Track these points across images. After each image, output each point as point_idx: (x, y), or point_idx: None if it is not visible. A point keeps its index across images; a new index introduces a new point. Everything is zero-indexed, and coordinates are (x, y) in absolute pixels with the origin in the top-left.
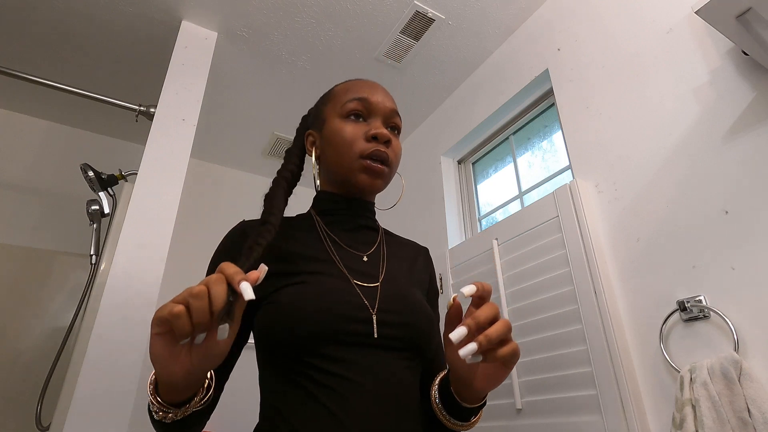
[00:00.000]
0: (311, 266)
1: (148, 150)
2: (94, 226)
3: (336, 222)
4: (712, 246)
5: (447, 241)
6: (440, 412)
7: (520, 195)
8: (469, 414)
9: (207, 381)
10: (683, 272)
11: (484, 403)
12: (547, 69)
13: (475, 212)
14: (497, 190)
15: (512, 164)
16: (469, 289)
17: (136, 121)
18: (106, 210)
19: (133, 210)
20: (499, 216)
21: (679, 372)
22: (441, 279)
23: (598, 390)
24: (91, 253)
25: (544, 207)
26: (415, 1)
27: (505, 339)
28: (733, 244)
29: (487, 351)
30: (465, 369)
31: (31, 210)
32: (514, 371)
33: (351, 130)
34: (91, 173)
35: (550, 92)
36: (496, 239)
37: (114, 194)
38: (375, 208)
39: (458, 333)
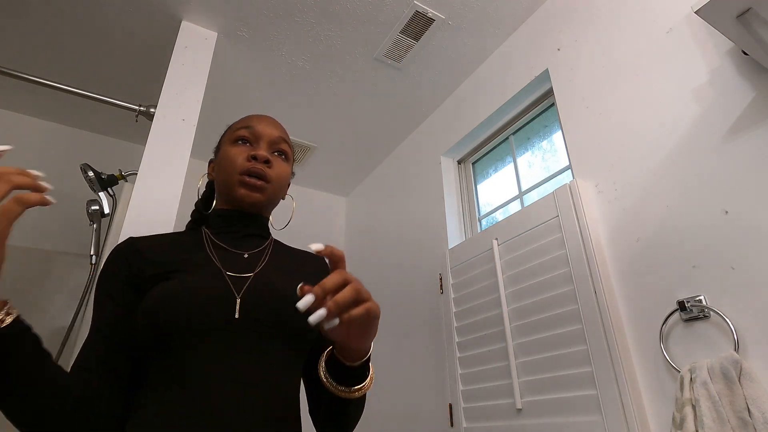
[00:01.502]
0: (187, 265)
1: (148, 150)
2: (94, 226)
3: (224, 233)
4: (712, 246)
5: (447, 241)
6: (328, 381)
7: (520, 195)
8: (359, 375)
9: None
10: (683, 272)
11: (368, 359)
12: (547, 69)
13: (475, 212)
14: (497, 190)
15: (512, 164)
16: (316, 246)
17: (136, 121)
18: (106, 210)
19: (133, 210)
20: (499, 216)
21: (679, 372)
22: (441, 279)
23: (598, 390)
24: (91, 253)
25: (544, 207)
26: (415, 1)
27: (357, 300)
28: (733, 244)
29: (342, 314)
30: (334, 333)
31: (31, 210)
32: (514, 371)
33: (236, 151)
34: (91, 173)
35: (550, 92)
36: (496, 239)
37: (114, 194)
38: (270, 225)
39: (304, 302)
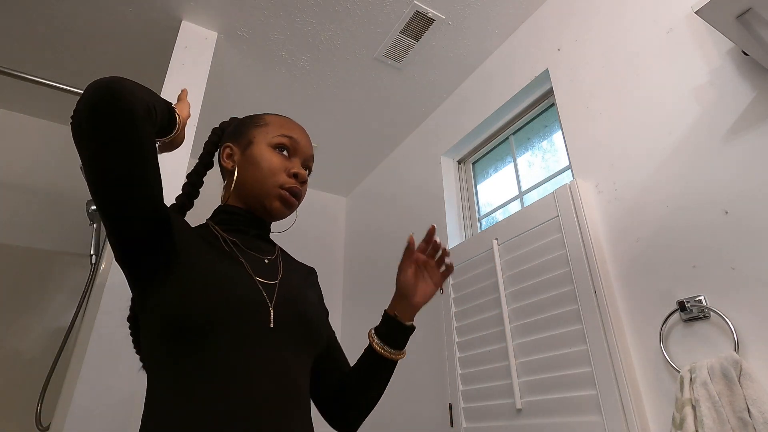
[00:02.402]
0: (214, 258)
1: None
2: (94, 226)
3: (235, 231)
4: (712, 246)
5: (447, 241)
6: (383, 349)
7: (520, 195)
8: (405, 338)
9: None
10: (683, 272)
11: (414, 328)
12: (547, 69)
13: (475, 212)
14: (497, 190)
15: (512, 164)
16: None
17: None
18: None
19: None
20: (499, 216)
21: (679, 372)
22: None
23: (598, 390)
24: (91, 253)
25: (544, 207)
26: (415, 1)
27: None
28: (733, 244)
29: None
30: (409, 286)
31: (31, 210)
32: (514, 371)
33: (278, 161)
34: None
35: (550, 92)
36: (496, 239)
37: None
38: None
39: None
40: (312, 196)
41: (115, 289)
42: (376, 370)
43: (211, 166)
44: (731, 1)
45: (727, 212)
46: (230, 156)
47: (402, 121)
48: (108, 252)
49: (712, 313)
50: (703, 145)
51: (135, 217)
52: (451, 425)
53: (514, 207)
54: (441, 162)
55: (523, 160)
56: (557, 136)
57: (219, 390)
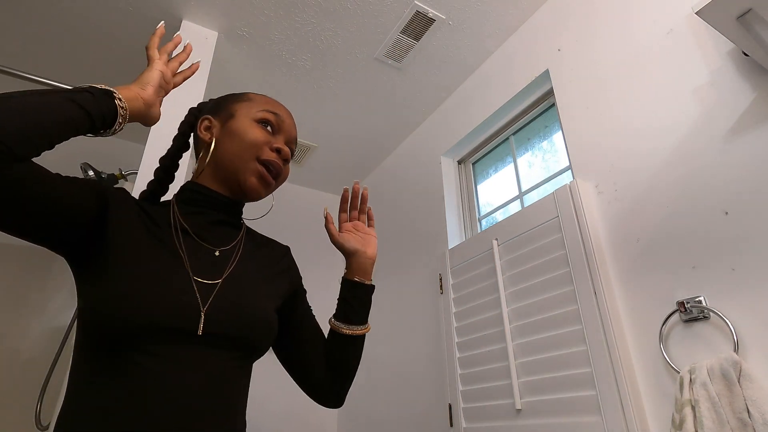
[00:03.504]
0: (151, 253)
1: (148, 149)
2: None
3: (196, 213)
4: (712, 247)
5: (447, 241)
6: (341, 326)
7: (520, 195)
8: (368, 302)
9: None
10: (683, 273)
11: (374, 287)
12: (548, 69)
13: (475, 212)
14: (497, 190)
15: (512, 164)
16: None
17: None
18: None
19: None
20: (499, 216)
21: (678, 373)
22: (441, 279)
23: (597, 390)
24: None
25: (544, 207)
26: (416, 1)
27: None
28: (733, 245)
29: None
30: (355, 240)
31: None
32: (513, 371)
33: (261, 133)
34: (91, 172)
35: (550, 92)
36: (496, 239)
37: None
38: (242, 213)
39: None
40: (312, 195)
41: None
42: (349, 349)
43: (186, 148)
44: (732, 1)
45: (727, 213)
46: (208, 128)
47: (402, 121)
48: None
49: (711, 313)
50: (704, 146)
51: (39, 238)
52: (451, 425)
53: (514, 207)
54: (441, 162)
55: (523, 160)
56: (557, 137)
57: (130, 407)
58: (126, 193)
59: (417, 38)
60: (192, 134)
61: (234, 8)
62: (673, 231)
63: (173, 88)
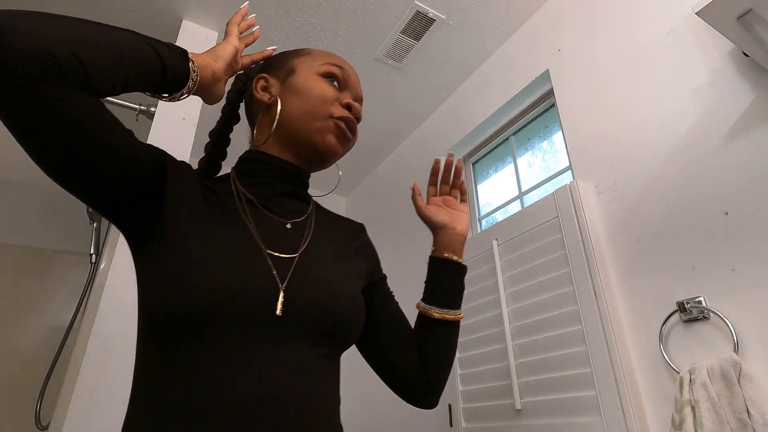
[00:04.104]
0: (215, 224)
1: None
2: (94, 225)
3: (260, 184)
4: (712, 247)
5: None
6: (431, 310)
7: (520, 195)
8: (461, 284)
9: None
10: (683, 273)
11: (467, 268)
12: (548, 69)
13: (475, 212)
14: (497, 190)
15: (512, 164)
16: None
17: (137, 120)
18: None
19: None
20: (499, 216)
21: (678, 373)
22: None
23: (597, 391)
24: (91, 252)
25: (544, 207)
26: (416, 1)
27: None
28: (733, 245)
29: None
30: (444, 214)
31: (31, 209)
32: (513, 371)
33: (330, 89)
34: None
35: (550, 92)
36: (496, 239)
37: None
38: (309, 185)
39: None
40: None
41: (115, 288)
42: (442, 338)
43: (236, 119)
44: (732, 2)
45: (727, 213)
46: (266, 88)
47: (402, 121)
48: (108, 251)
49: (711, 314)
50: (704, 146)
51: (93, 197)
52: (451, 425)
53: (514, 207)
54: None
55: (523, 160)
56: (557, 137)
57: (200, 396)
58: (186, 164)
59: (417, 38)
60: (243, 101)
61: (234, 8)
62: (673, 231)
63: (240, 69)
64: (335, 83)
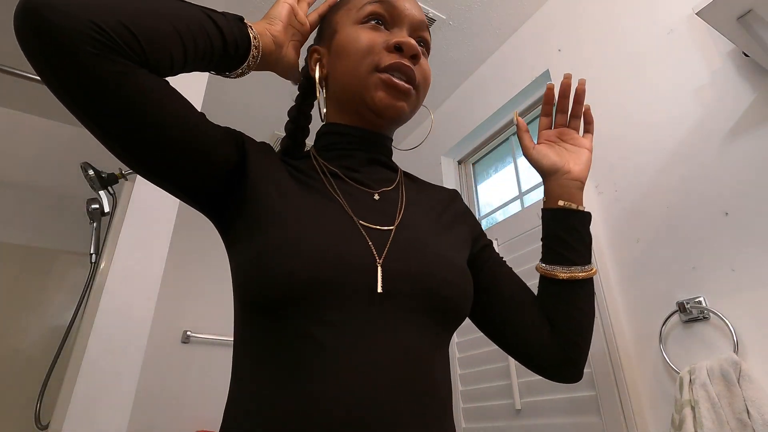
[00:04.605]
0: (303, 198)
1: None
2: (94, 224)
3: (341, 157)
4: (712, 247)
5: None
6: (555, 270)
7: (520, 195)
8: (586, 233)
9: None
10: (683, 273)
11: (590, 215)
12: (548, 69)
13: (475, 212)
14: (497, 190)
15: (512, 164)
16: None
17: None
18: (106, 209)
19: (133, 209)
20: (499, 216)
21: (678, 373)
22: None
23: (597, 391)
24: (91, 251)
25: None
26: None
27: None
28: (733, 245)
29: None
30: (555, 154)
31: (31, 208)
32: (513, 372)
33: (368, 36)
34: (91, 172)
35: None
36: (496, 239)
37: (114, 193)
38: (393, 147)
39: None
40: None
41: (114, 288)
42: (573, 300)
43: (312, 95)
44: (732, 2)
45: (727, 213)
46: (318, 60)
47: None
48: (108, 251)
49: (711, 314)
50: (704, 147)
51: (169, 180)
52: None
53: (514, 207)
54: (441, 162)
55: (523, 160)
56: None
57: (300, 400)
58: (266, 144)
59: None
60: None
61: (234, 8)
62: (673, 232)
63: (309, 30)
64: (381, 24)
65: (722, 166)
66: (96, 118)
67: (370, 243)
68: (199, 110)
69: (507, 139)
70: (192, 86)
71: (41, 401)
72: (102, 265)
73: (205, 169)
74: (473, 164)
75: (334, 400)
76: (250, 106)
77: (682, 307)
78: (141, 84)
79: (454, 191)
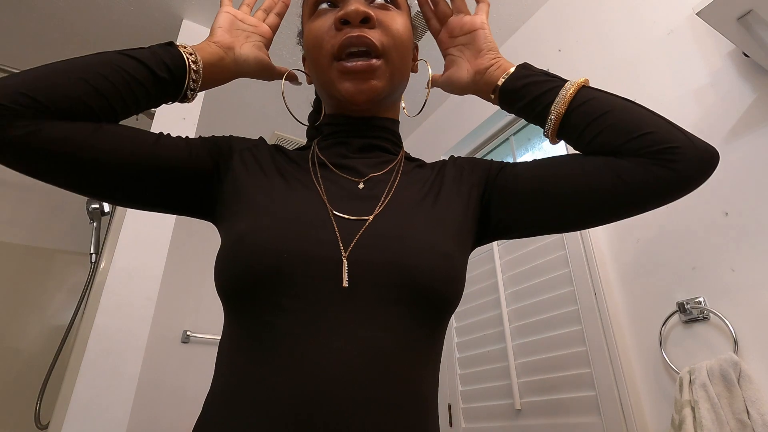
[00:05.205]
0: (278, 188)
1: None
2: (94, 224)
3: (337, 144)
4: (712, 248)
5: None
6: (552, 122)
7: None
8: (549, 78)
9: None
10: (683, 274)
11: (522, 68)
12: (548, 70)
13: None
14: None
15: None
16: None
17: (137, 119)
18: (106, 209)
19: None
20: None
21: (678, 373)
22: None
23: (597, 391)
24: (91, 251)
25: None
26: (417, 2)
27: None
28: (732, 245)
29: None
30: (457, 72)
31: (31, 208)
32: (513, 372)
33: (318, 25)
34: None
35: None
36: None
37: None
38: (402, 111)
39: None
40: None
41: (115, 288)
42: (589, 113)
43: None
44: (732, 2)
45: (727, 214)
46: (305, 64)
47: (402, 120)
48: (108, 251)
49: (711, 314)
50: None
51: (146, 205)
52: (450, 425)
53: None
54: None
55: (523, 161)
56: None
57: (258, 385)
58: (258, 139)
59: (417, 38)
60: None
61: (234, 7)
62: (673, 232)
63: (272, 30)
64: (332, 5)
65: (722, 166)
66: (35, 174)
67: (338, 234)
68: (198, 111)
69: (507, 139)
70: None
71: (41, 401)
72: (102, 265)
73: (173, 187)
74: None
75: (287, 392)
76: (251, 105)
77: (682, 308)
78: (51, 135)
79: (449, 158)
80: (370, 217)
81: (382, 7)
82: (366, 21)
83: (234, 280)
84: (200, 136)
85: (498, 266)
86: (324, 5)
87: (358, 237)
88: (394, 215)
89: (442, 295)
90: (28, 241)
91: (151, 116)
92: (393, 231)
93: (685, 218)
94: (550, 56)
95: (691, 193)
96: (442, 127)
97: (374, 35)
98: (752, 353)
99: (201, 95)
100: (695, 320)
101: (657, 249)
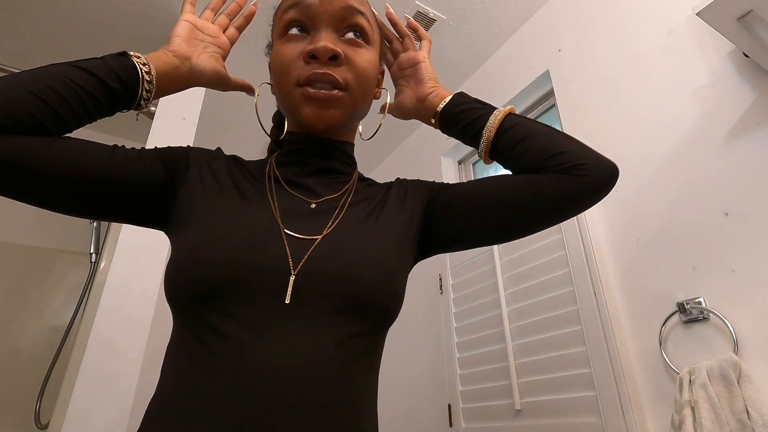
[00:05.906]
0: (231, 201)
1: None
2: (94, 224)
3: (292, 163)
4: (712, 248)
5: None
6: (483, 147)
7: None
8: (479, 105)
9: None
10: (683, 274)
11: (455, 97)
12: (548, 70)
13: None
14: None
15: None
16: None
17: (137, 119)
18: None
19: None
20: None
21: (678, 374)
22: (441, 279)
23: (597, 391)
24: (91, 251)
25: None
26: (417, 2)
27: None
28: (732, 246)
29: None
30: (403, 100)
31: (31, 208)
32: (513, 372)
33: (286, 51)
34: None
35: (550, 93)
36: None
37: None
38: (358, 135)
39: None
40: None
41: (114, 287)
42: (515, 138)
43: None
44: (732, 2)
45: (727, 214)
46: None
47: (402, 121)
48: (108, 251)
49: (711, 314)
50: (704, 147)
51: (105, 216)
52: (450, 425)
53: None
54: (441, 162)
55: None
56: None
57: (201, 388)
58: (218, 151)
59: (417, 38)
60: None
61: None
62: (673, 232)
63: (230, 42)
64: (302, 30)
65: (722, 167)
66: None
67: (288, 252)
68: (198, 111)
69: None
70: (189, 93)
71: (41, 401)
72: (102, 265)
73: (125, 198)
74: (473, 164)
75: (228, 396)
76: (251, 104)
77: (681, 308)
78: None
79: (395, 180)
80: (319, 237)
81: (351, 42)
82: (334, 59)
83: (187, 287)
84: (156, 147)
85: (498, 266)
86: (294, 30)
87: (306, 257)
88: (342, 234)
89: (385, 308)
90: (28, 241)
91: (152, 116)
92: (339, 248)
93: (685, 218)
94: (550, 56)
95: (691, 194)
96: (434, 134)
97: (339, 73)
98: (752, 353)
99: (201, 95)
100: (695, 320)
101: (657, 249)
